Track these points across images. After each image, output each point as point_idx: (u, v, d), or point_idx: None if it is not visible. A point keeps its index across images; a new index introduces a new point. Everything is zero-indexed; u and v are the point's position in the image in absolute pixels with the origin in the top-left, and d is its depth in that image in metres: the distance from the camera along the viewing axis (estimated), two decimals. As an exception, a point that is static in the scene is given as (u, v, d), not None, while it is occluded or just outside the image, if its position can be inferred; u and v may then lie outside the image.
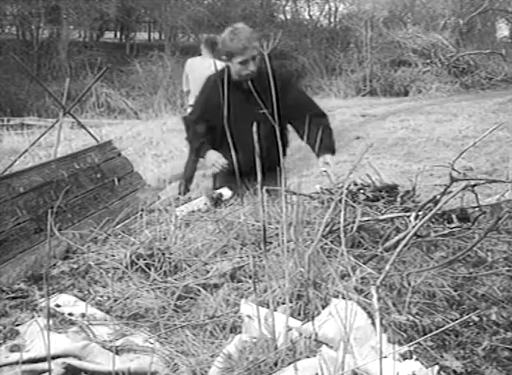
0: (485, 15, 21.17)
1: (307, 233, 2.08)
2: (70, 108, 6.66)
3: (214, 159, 3.20)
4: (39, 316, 1.68)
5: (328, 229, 2.06)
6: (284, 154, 3.40)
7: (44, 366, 1.41)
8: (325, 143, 3.14)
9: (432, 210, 2.10)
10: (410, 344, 1.45)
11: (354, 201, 2.37)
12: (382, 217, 2.30)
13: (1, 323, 1.66)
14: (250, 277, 1.88)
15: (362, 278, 1.79)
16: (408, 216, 2.27)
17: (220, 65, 3.55)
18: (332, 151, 3.22)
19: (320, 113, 3.40)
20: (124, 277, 1.98)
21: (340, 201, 2.05)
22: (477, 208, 2.40)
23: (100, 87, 16.21)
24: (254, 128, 1.68)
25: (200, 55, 6.77)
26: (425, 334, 1.53)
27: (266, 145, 2.73)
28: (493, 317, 1.66)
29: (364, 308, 1.57)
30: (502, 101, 13.49)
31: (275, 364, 1.38)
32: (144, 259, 2.04)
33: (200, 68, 6.06)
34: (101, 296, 1.86)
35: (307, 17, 24.32)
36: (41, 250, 2.16)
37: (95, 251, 2.21)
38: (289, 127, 3.44)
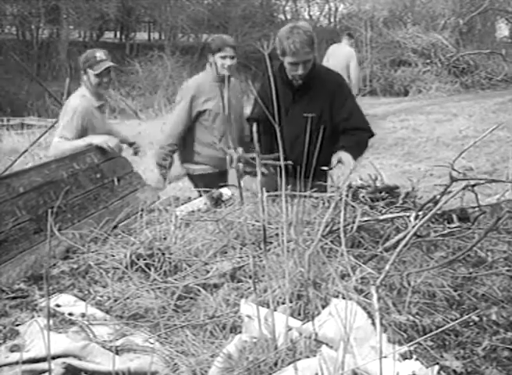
0: (485, 15, 21.16)
1: (307, 233, 2.08)
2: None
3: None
4: (39, 316, 1.68)
5: (328, 229, 2.06)
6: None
7: (44, 365, 1.41)
8: (348, 145, 3.10)
9: (431, 210, 2.10)
10: (410, 344, 1.45)
11: (354, 202, 2.37)
12: (382, 217, 2.30)
13: (1, 323, 1.66)
14: (250, 277, 1.88)
15: (362, 278, 1.79)
16: (408, 216, 2.27)
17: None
18: (353, 155, 3.07)
19: (361, 127, 3.28)
20: (124, 277, 1.98)
21: (340, 201, 2.05)
22: (477, 208, 2.40)
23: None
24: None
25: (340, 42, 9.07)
26: (425, 334, 1.53)
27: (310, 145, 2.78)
28: (493, 317, 1.66)
29: (364, 308, 1.57)
30: (502, 101, 13.48)
31: (275, 364, 1.38)
32: (144, 259, 2.04)
33: (336, 54, 8.57)
34: (101, 296, 1.86)
35: (307, 17, 24.33)
36: (41, 250, 2.16)
37: (95, 251, 2.21)
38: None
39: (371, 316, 1.52)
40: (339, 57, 8.89)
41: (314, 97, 3.20)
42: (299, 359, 1.36)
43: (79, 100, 3.36)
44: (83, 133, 3.24)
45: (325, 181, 3.30)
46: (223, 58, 3.57)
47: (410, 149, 8.87)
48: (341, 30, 21.96)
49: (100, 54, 3.33)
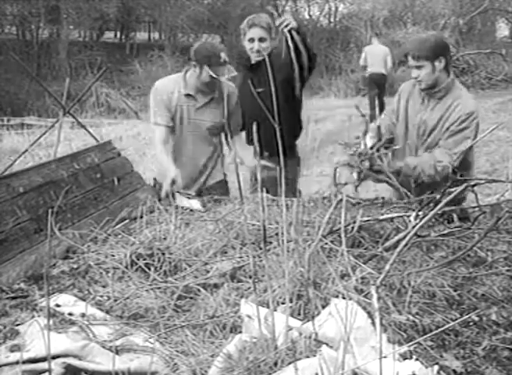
0: (485, 15, 21.18)
1: (307, 233, 2.08)
2: (70, 108, 6.66)
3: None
4: (39, 316, 1.68)
5: (328, 229, 2.06)
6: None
7: (44, 365, 1.41)
8: None
9: (432, 210, 2.10)
10: (410, 344, 1.45)
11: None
12: (382, 217, 2.30)
13: (1, 323, 1.66)
14: (250, 277, 1.88)
15: (362, 278, 1.79)
16: (408, 216, 2.27)
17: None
18: None
19: None
20: (124, 277, 1.98)
21: (341, 200, 2.05)
22: (477, 208, 2.40)
23: (100, 87, 16.22)
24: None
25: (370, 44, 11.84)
26: (425, 334, 1.53)
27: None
28: (493, 317, 1.66)
29: (364, 308, 1.57)
30: (502, 101, 13.49)
31: (275, 364, 1.38)
32: (144, 259, 2.05)
33: (373, 53, 10.96)
34: (101, 296, 1.86)
35: (307, 17, 24.34)
36: (41, 250, 2.16)
37: (95, 251, 2.21)
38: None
39: (371, 316, 1.52)
40: (377, 55, 11.04)
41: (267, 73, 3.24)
42: (299, 359, 1.36)
43: (164, 82, 3.32)
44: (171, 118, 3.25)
45: (294, 156, 3.64)
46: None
47: (411, 149, 8.86)
48: (341, 30, 21.99)
49: (224, 55, 3.13)
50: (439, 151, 2.93)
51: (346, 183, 2.81)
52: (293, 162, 3.63)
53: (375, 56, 11.04)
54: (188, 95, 3.28)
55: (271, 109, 1.66)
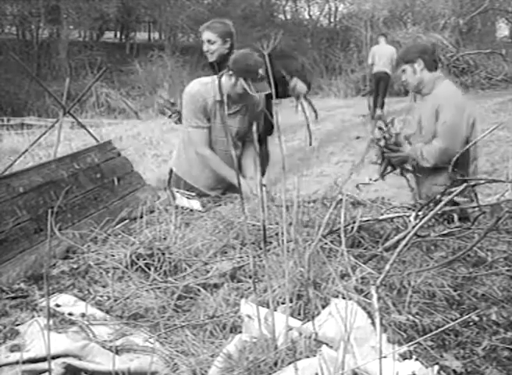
0: (485, 15, 21.16)
1: (307, 233, 2.08)
2: (70, 108, 6.66)
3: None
4: (39, 316, 1.68)
5: (328, 229, 2.06)
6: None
7: (44, 365, 1.41)
8: None
9: (432, 210, 2.10)
10: (410, 344, 1.45)
11: None
12: (382, 217, 2.30)
13: (1, 323, 1.66)
14: (250, 277, 1.88)
15: (362, 278, 1.79)
16: (408, 216, 2.27)
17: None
18: None
19: None
20: (124, 277, 1.98)
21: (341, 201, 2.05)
22: (477, 208, 2.40)
23: (100, 87, 16.22)
24: None
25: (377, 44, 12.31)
26: (425, 334, 1.53)
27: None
28: (493, 317, 1.66)
29: (364, 308, 1.57)
30: (502, 101, 13.49)
31: (275, 364, 1.38)
32: (144, 259, 2.04)
33: (381, 53, 11.51)
34: (101, 296, 1.86)
35: (307, 17, 24.34)
36: (41, 250, 2.16)
37: (95, 251, 2.21)
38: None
39: (371, 316, 1.52)
40: (384, 55, 11.45)
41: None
42: (299, 359, 1.36)
43: (197, 86, 3.34)
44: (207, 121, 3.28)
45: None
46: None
47: (411, 149, 8.86)
48: (341, 30, 21.98)
49: (261, 71, 3.09)
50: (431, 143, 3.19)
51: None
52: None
53: (382, 56, 11.49)
54: (221, 101, 3.29)
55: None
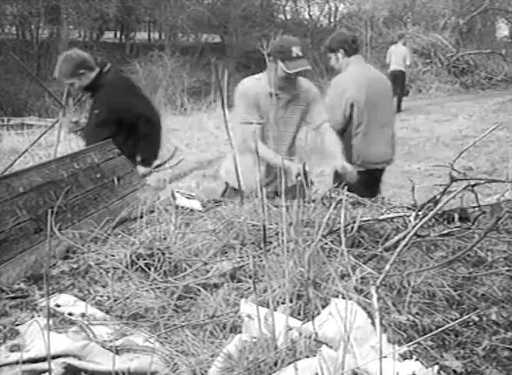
0: (485, 15, 21.18)
1: (307, 233, 2.08)
2: (70, 109, 6.65)
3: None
4: (39, 316, 1.68)
5: (328, 229, 2.06)
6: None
7: (44, 365, 1.41)
8: None
9: (432, 210, 2.10)
10: (410, 344, 1.45)
11: None
12: (382, 217, 2.30)
13: (1, 323, 1.66)
14: (250, 277, 1.88)
15: (362, 278, 1.79)
16: (408, 216, 2.27)
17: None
18: None
19: None
20: (124, 277, 1.98)
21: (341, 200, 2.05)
22: (477, 208, 2.40)
23: (100, 87, 16.17)
24: None
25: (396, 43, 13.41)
26: (425, 334, 1.53)
27: None
28: (493, 317, 1.66)
29: (364, 308, 1.57)
30: (502, 101, 13.51)
31: (275, 364, 1.38)
32: (144, 259, 2.04)
33: (396, 52, 12.66)
34: (101, 296, 1.86)
35: (307, 17, 24.35)
36: (41, 250, 2.16)
37: (95, 251, 2.21)
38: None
39: (371, 316, 1.52)
40: (399, 54, 12.65)
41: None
42: (299, 359, 1.36)
43: (248, 82, 3.32)
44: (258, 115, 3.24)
45: None
46: None
47: (410, 149, 8.88)
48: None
49: (297, 50, 3.11)
50: None
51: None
52: None
53: (398, 55, 12.61)
54: (271, 94, 3.23)
55: None
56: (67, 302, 1.77)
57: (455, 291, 1.81)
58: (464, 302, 1.77)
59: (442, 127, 10.50)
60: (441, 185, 2.46)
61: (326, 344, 1.44)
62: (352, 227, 2.13)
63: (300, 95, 3.31)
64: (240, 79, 3.58)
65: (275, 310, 1.55)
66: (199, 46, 21.36)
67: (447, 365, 1.44)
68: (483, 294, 1.81)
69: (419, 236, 2.15)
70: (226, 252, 2.17)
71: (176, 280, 1.95)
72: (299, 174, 2.96)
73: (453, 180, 2.30)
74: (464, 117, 11.31)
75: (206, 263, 2.07)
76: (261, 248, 2.08)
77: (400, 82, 12.63)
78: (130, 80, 4.54)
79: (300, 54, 3.11)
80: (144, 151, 3.97)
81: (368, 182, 3.62)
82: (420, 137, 9.63)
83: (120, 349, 1.53)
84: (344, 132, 3.76)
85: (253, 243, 2.18)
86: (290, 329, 1.48)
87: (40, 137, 7.11)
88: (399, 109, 12.60)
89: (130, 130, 3.85)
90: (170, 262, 2.04)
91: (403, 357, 1.42)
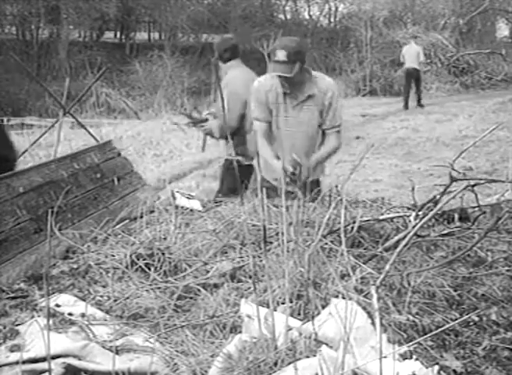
0: (485, 15, 21.18)
1: (307, 233, 2.08)
2: (70, 108, 6.66)
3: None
4: (39, 316, 1.68)
5: (328, 229, 2.06)
6: None
7: (44, 365, 1.41)
8: None
9: (432, 210, 2.10)
10: (410, 344, 1.45)
11: None
12: (382, 217, 2.30)
13: (1, 323, 1.66)
14: (250, 277, 1.88)
15: (362, 278, 1.79)
16: (408, 216, 2.27)
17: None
18: None
19: None
20: (124, 277, 1.98)
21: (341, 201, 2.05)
22: (477, 208, 2.40)
23: (100, 87, 16.20)
24: None
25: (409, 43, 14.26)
26: (425, 334, 1.53)
27: None
28: (493, 317, 1.66)
29: (364, 308, 1.57)
30: (502, 101, 13.50)
31: (275, 364, 1.38)
32: (144, 259, 2.04)
33: (410, 52, 13.44)
34: (101, 296, 1.86)
35: (307, 17, 24.34)
36: (41, 250, 2.16)
37: (95, 251, 2.21)
38: None
39: (371, 316, 1.52)
40: (412, 54, 13.40)
41: None
42: (299, 359, 1.36)
43: (261, 80, 3.31)
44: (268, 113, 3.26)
45: None
46: None
47: (410, 149, 8.88)
48: (341, 30, 21.98)
49: (281, 54, 3.07)
50: None
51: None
52: None
53: (411, 54, 13.45)
54: (285, 93, 3.25)
55: None
56: (67, 302, 1.77)
57: (455, 291, 1.81)
58: (464, 302, 1.77)
59: (442, 127, 10.50)
60: (441, 185, 2.46)
61: (326, 344, 1.44)
62: (352, 227, 2.13)
63: (316, 96, 3.30)
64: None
65: (275, 310, 1.55)
66: (199, 46, 21.34)
67: (447, 365, 1.44)
68: (483, 294, 1.81)
69: (419, 236, 2.14)
70: (226, 252, 2.17)
71: (176, 280, 1.95)
72: (293, 173, 2.95)
73: (453, 180, 2.30)
74: (464, 117, 11.31)
75: (206, 263, 2.07)
76: (261, 248, 2.08)
77: (415, 79, 13.59)
78: None
79: (283, 58, 3.06)
80: None
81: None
82: (420, 137, 9.63)
83: (120, 349, 1.53)
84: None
85: (253, 243, 2.18)
86: (290, 329, 1.48)
87: (40, 137, 7.12)
88: (420, 104, 13.52)
89: None
90: (170, 262, 2.04)
91: (403, 357, 1.42)
